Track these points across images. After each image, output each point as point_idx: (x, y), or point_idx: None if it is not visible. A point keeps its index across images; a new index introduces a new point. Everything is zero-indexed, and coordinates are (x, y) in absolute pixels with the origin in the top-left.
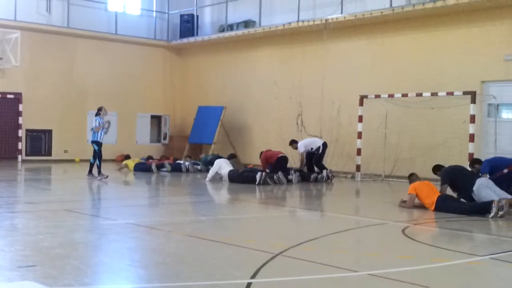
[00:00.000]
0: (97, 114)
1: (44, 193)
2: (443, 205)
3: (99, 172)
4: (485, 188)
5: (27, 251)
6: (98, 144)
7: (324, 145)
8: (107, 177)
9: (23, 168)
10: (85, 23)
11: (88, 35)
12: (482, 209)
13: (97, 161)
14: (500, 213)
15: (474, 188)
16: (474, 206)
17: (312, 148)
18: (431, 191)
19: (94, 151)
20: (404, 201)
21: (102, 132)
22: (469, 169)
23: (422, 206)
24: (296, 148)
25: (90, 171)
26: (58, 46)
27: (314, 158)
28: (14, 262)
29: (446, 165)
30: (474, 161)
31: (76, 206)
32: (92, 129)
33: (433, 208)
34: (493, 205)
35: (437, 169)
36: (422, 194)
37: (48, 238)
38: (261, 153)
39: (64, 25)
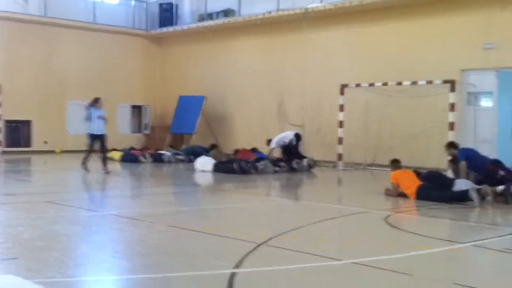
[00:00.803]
0: (92, 105)
1: (24, 185)
2: (424, 194)
3: (83, 163)
4: (464, 185)
5: (8, 243)
6: (89, 136)
7: (297, 136)
8: (88, 171)
9: (3, 159)
10: (63, 12)
11: (66, 24)
12: (462, 197)
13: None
14: (488, 198)
15: (454, 188)
16: (453, 193)
17: (285, 142)
18: (410, 180)
19: (102, 143)
20: (390, 190)
21: (101, 123)
22: (446, 154)
23: (405, 195)
24: None
25: (105, 165)
26: (36, 35)
27: (291, 150)
28: None
29: (427, 155)
30: (450, 145)
31: (57, 197)
32: (100, 118)
33: (413, 197)
34: (471, 192)
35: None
36: (402, 184)
37: (29, 230)
38: (235, 151)
39: (41, 14)
